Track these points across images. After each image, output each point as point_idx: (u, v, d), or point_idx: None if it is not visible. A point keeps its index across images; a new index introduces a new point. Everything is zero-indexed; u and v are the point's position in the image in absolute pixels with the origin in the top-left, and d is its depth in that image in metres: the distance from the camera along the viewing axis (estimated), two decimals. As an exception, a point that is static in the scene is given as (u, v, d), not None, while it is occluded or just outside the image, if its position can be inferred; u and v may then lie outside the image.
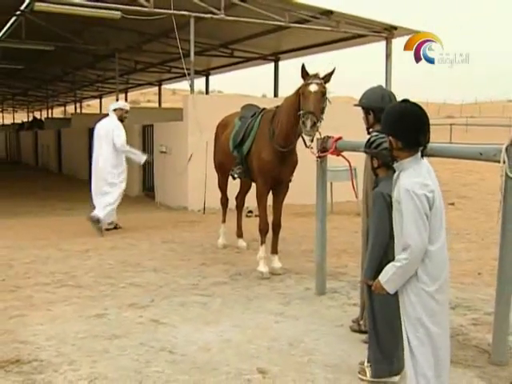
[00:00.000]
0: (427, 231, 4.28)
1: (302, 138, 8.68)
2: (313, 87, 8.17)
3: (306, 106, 8.10)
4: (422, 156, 4.48)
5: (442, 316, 4.44)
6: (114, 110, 13.32)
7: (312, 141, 8.16)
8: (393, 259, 4.64)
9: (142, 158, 13.47)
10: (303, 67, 8.33)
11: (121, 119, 13.24)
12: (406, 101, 4.60)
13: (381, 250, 5.12)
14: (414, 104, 4.55)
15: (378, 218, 5.18)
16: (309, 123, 7.96)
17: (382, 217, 5.10)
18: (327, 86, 8.32)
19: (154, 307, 7.41)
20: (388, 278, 4.48)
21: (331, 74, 8.36)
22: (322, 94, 8.22)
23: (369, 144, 5.42)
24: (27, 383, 5.24)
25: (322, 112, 8.20)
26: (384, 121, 4.63)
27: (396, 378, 5.30)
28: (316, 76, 8.27)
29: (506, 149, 5.29)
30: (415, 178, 4.34)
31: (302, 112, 8.12)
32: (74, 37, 22.26)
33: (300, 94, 8.27)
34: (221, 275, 8.98)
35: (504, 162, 5.29)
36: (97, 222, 12.41)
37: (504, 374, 5.49)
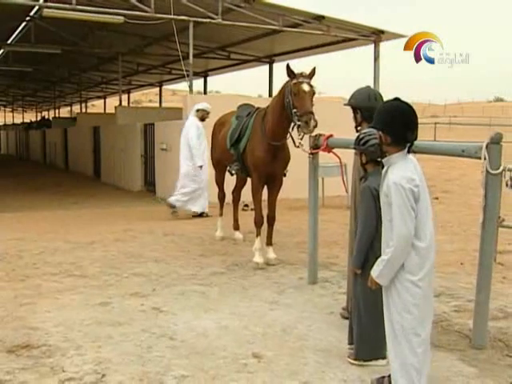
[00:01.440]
0: (413, 223, 4.30)
1: (291, 136, 8.71)
2: (306, 86, 8.15)
3: (306, 106, 8.07)
4: (409, 152, 4.52)
5: (425, 304, 4.46)
6: (197, 110, 13.66)
7: (301, 139, 8.16)
8: (378, 250, 4.71)
9: (197, 161, 13.47)
10: (288, 66, 8.32)
11: (202, 119, 13.63)
12: (397, 99, 4.62)
13: (368, 241, 5.17)
14: (405, 103, 4.57)
15: (365, 211, 5.22)
16: (312, 123, 7.94)
17: (370, 209, 5.15)
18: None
19: (156, 296, 7.40)
20: (379, 272, 4.49)
21: (313, 72, 8.36)
22: (314, 93, 8.23)
23: (358, 141, 5.44)
24: (37, 367, 5.24)
25: None
26: (376, 117, 4.66)
27: (383, 362, 5.31)
28: (304, 75, 8.26)
29: (487, 146, 5.32)
30: (403, 172, 4.36)
31: (299, 112, 8.07)
32: (80, 40, 22.35)
33: (293, 93, 8.23)
34: (218, 265, 8.98)
35: (485, 159, 5.33)
36: (171, 206, 13.74)
37: (483, 356, 5.52)
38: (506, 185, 7.18)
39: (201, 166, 13.39)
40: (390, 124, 4.49)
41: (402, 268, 4.39)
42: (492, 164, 5.33)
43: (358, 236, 5.30)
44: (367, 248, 5.18)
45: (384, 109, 4.66)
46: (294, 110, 8.14)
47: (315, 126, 7.94)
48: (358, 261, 5.25)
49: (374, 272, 4.55)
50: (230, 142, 9.61)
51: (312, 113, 8.00)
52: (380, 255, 4.66)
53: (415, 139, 4.52)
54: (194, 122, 13.53)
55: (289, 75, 8.34)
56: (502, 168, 5.49)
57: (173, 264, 9.04)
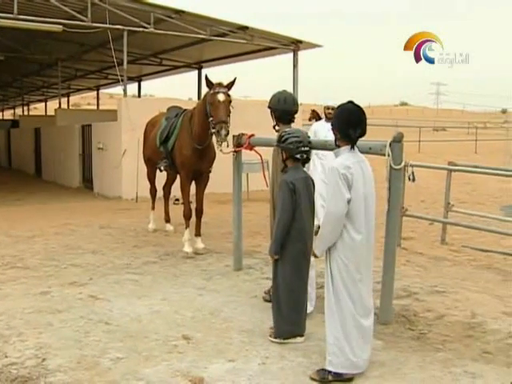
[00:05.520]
0: (345, 204, 4.51)
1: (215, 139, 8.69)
2: (221, 97, 8.10)
3: (219, 115, 8.03)
4: (353, 147, 4.70)
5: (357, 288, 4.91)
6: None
7: (221, 144, 8.12)
8: (295, 237, 5.12)
9: None
10: (206, 77, 8.29)
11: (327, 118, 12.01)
12: (350, 102, 4.83)
13: (285, 229, 5.23)
14: (354, 105, 4.78)
15: (282, 202, 5.27)
16: (223, 132, 7.94)
17: (286, 200, 5.23)
18: (230, 93, 8.31)
19: (93, 285, 7.30)
20: (315, 244, 4.80)
21: (233, 82, 8.33)
22: (229, 102, 8.20)
23: (279, 139, 5.50)
24: (-20, 354, 5.11)
25: (229, 116, 8.19)
26: (333, 116, 4.94)
27: (300, 339, 5.38)
28: (221, 85, 8.22)
29: (390, 144, 5.45)
30: (342, 160, 4.59)
31: (214, 121, 8.06)
32: (23, 48, 21.79)
33: (209, 102, 8.19)
34: (151, 255, 8.90)
35: (388, 155, 5.45)
36: None
37: (389, 331, 5.71)
38: (409, 179, 7.34)
39: None
40: (336, 121, 4.77)
41: (335, 248, 4.62)
42: (395, 160, 5.47)
43: (275, 224, 5.36)
44: (284, 235, 5.24)
45: (337, 109, 4.89)
46: (211, 119, 8.14)
47: (226, 135, 7.93)
48: (276, 247, 5.30)
49: (314, 243, 4.88)
50: (160, 141, 9.53)
51: (225, 122, 7.99)
52: (296, 242, 5.13)
53: (360, 136, 4.71)
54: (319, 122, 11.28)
55: (207, 85, 8.30)
56: (403, 163, 5.64)
57: (108, 255, 8.91)
